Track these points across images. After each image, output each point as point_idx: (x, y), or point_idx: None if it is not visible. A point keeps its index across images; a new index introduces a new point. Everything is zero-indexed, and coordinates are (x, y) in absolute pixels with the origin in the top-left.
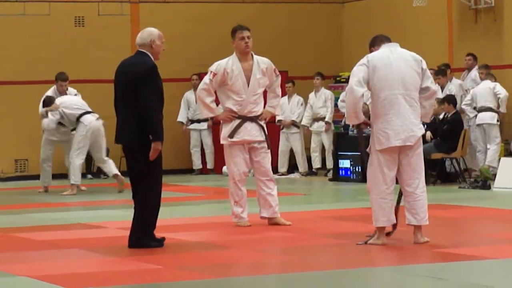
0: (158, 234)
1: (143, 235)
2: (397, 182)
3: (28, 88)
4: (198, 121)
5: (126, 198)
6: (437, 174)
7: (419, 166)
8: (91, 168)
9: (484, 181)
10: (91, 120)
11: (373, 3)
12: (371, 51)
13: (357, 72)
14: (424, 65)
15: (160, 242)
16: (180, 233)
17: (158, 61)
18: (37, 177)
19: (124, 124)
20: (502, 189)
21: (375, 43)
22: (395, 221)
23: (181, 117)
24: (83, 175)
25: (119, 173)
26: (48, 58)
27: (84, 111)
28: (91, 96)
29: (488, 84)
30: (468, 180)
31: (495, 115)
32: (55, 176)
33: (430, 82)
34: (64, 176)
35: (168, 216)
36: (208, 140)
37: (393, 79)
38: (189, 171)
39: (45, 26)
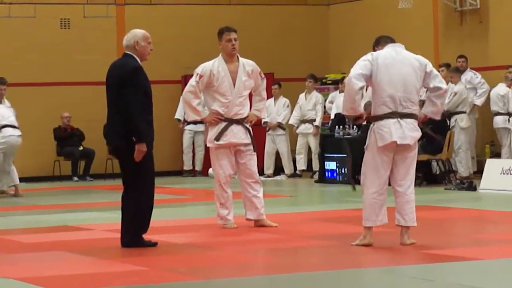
0: (147, 237)
1: (134, 235)
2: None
3: (14, 91)
4: (195, 122)
5: (112, 200)
6: (423, 175)
7: (412, 168)
8: (76, 170)
9: (470, 183)
10: (11, 133)
11: (358, 5)
12: (374, 51)
13: (360, 66)
14: (430, 68)
15: (152, 243)
16: (166, 235)
17: (145, 63)
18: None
19: (112, 126)
20: (488, 191)
21: (379, 43)
22: (386, 221)
23: (179, 114)
24: (69, 177)
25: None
26: (34, 60)
27: (6, 123)
28: (76, 98)
29: (499, 89)
30: (454, 182)
31: (506, 118)
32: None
33: (438, 82)
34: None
35: (154, 218)
36: (201, 142)
37: (396, 80)
38: (179, 172)
39: (31, 28)
